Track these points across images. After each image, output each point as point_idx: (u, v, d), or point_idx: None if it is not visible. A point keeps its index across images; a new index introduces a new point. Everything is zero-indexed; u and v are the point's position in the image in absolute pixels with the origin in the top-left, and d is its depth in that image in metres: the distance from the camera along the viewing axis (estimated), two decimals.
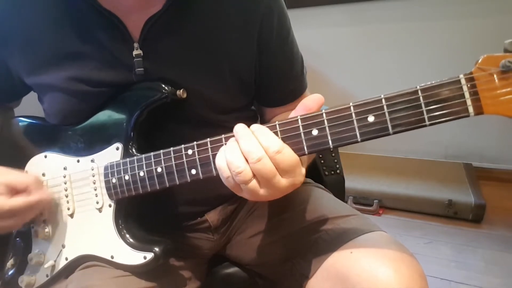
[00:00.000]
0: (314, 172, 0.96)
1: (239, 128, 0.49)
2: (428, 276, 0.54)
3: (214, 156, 0.52)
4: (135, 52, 0.62)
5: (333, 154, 1.00)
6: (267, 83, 0.73)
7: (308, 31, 2.31)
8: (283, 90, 0.75)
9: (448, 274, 1.47)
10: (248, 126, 0.49)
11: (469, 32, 1.96)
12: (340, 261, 0.57)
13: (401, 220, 1.84)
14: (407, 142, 2.25)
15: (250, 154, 0.46)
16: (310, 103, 0.49)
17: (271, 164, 0.46)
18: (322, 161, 0.98)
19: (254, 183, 0.47)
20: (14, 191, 0.61)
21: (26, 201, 0.60)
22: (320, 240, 0.64)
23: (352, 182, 1.98)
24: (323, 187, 0.82)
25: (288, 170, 0.47)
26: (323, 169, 0.98)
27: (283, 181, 0.47)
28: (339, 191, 0.96)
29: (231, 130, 0.51)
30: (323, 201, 0.74)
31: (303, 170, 0.50)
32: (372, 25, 2.18)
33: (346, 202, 0.89)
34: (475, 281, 1.42)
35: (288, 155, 0.46)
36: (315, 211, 0.70)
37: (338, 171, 0.99)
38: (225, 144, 0.51)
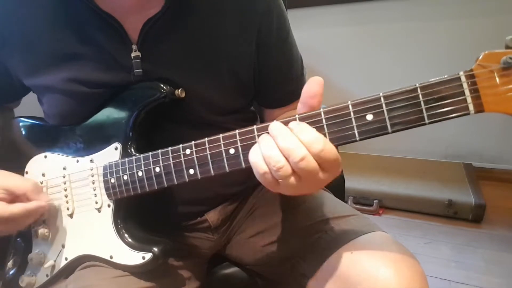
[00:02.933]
0: None
1: (275, 126, 0.46)
2: (428, 276, 0.54)
3: (212, 155, 0.52)
4: (133, 54, 0.62)
5: None
6: (266, 84, 0.73)
7: (308, 31, 2.31)
8: (282, 91, 0.75)
9: (448, 274, 1.46)
10: (248, 126, 0.49)
11: (468, 32, 1.96)
12: (340, 261, 0.57)
13: (401, 220, 1.84)
14: (407, 142, 2.24)
15: (292, 152, 0.43)
16: (312, 86, 0.46)
17: (315, 162, 0.43)
18: None
19: (293, 179, 0.44)
20: (13, 195, 0.61)
21: (24, 208, 0.60)
22: (320, 240, 0.64)
23: (352, 182, 1.98)
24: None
25: (331, 166, 0.45)
26: None
27: (324, 176, 0.45)
28: (339, 191, 0.96)
29: (230, 131, 0.50)
30: (323, 201, 0.73)
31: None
32: (372, 25, 2.18)
33: (346, 202, 0.89)
34: (475, 281, 1.42)
35: (330, 150, 0.44)
36: (315, 211, 0.70)
37: None
38: (223, 145, 0.51)
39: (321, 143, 0.43)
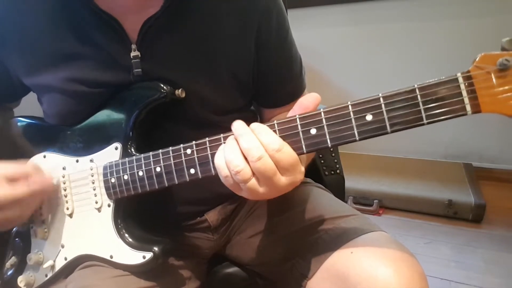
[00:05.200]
0: (314, 172, 0.96)
1: (238, 126, 0.48)
2: (428, 276, 0.54)
3: (212, 155, 0.52)
4: (132, 54, 0.62)
5: (333, 154, 1.00)
6: (266, 84, 0.73)
7: (307, 31, 2.31)
8: (282, 91, 0.75)
9: (448, 274, 1.47)
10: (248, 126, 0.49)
11: (467, 32, 1.97)
12: (340, 261, 0.57)
13: (401, 220, 1.84)
14: (407, 142, 2.25)
15: (250, 152, 0.45)
16: (307, 102, 0.49)
17: (271, 162, 0.45)
18: (322, 161, 0.98)
19: (253, 182, 0.46)
20: (14, 181, 0.60)
21: (28, 188, 0.60)
22: (320, 240, 0.64)
23: (352, 182, 1.98)
24: (323, 187, 0.82)
25: (288, 168, 0.47)
26: (323, 169, 0.98)
27: (283, 180, 0.47)
28: (339, 191, 0.96)
29: (230, 131, 0.51)
30: (323, 201, 0.74)
31: (303, 168, 0.50)
32: (372, 25, 2.18)
33: (346, 202, 0.89)
34: (475, 281, 1.42)
35: (288, 153, 0.46)
36: (315, 211, 0.70)
37: (338, 171, 0.99)
38: (224, 143, 0.51)
39: (278, 144, 0.46)
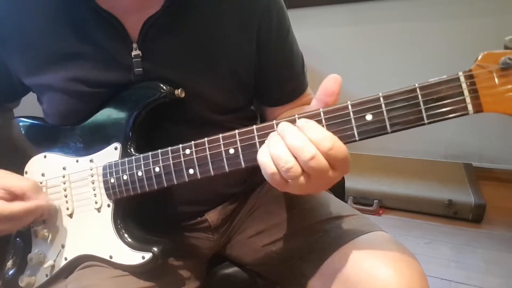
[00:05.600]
0: None
1: (284, 125, 0.45)
2: (428, 276, 0.54)
3: (211, 155, 0.52)
4: (133, 53, 0.62)
5: None
6: (268, 83, 0.73)
7: (307, 31, 2.31)
8: (283, 90, 0.75)
9: (448, 274, 1.46)
10: (248, 126, 0.49)
11: (468, 32, 1.96)
12: (340, 261, 0.57)
13: (401, 220, 1.84)
14: (407, 142, 2.24)
15: (301, 151, 0.42)
16: (331, 85, 0.46)
17: (325, 160, 0.42)
18: None
19: (303, 179, 0.44)
20: (13, 195, 0.61)
21: (24, 207, 0.60)
22: (320, 240, 0.64)
23: (352, 182, 1.98)
24: None
25: (341, 162, 0.44)
26: None
27: (333, 174, 0.44)
28: (339, 191, 0.96)
29: (230, 130, 0.50)
30: (323, 201, 0.73)
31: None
32: (372, 25, 2.18)
33: (346, 202, 0.89)
34: (475, 281, 1.42)
35: (340, 148, 0.43)
36: (315, 211, 0.70)
37: None
38: (223, 145, 0.51)
39: (330, 140, 0.42)
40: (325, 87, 0.46)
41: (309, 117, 0.46)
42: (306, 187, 0.44)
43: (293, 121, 0.47)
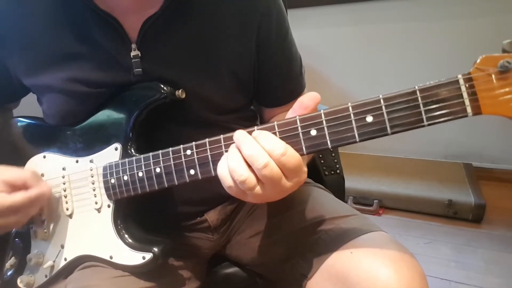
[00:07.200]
0: (314, 172, 0.95)
1: (239, 135, 0.48)
2: (428, 276, 0.54)
3: (212, 156, 0.52)
4: (133, 53, 0.62)
5: (333, 154, 1.00)
6: (266, 83, 0.73)
7: (307, 31, 2.31)
8: (281, 90, 0.75)
9: (448, 274, 1.47)
10: (248, 127, 0.49)
11: (468, 32, 1.96)
12: (340, 261, 0.57)
13: (401, 220, 1.84)
14: (407, 142, 2.24)
15: (255, 160, 0.44)
16: (307, 101, 0.48)
17: (277, 168, 0.45)
18: (322, 161, 0.98)
19: (259, 188, 0.46)
20: (13, 187, 0.60)
21: (26, 196, 0.59)
22: (320, 240, 0.64)
23: (352, 182, 1.98)
24: (323, 187, 0.82)
25: (294, 171, 0.46)
26: (323, 169, 0.98)
27: (289, 182, 0.47)
28: (339, 191, 0.96)
29: (230, 131, 0.51)
30: (323, 201, 0.74)
31: (306, 168, 0.49)
32: (372, 25, 2.18)
33: (346, 202, 0.89)
34: (475, 281, 1.42)
35: (292, 155, 0.45)
36: (315, 211, 0.70)
37: (338, 171, 0.99)
38: (224, 146, 0.51)
39: (283, 148, 0.45)
40: (301, 101, 0.49)
41: (311, 118, 0.47)
42: (262, 196, 0.47)
43: (293, 122, 0.48)
